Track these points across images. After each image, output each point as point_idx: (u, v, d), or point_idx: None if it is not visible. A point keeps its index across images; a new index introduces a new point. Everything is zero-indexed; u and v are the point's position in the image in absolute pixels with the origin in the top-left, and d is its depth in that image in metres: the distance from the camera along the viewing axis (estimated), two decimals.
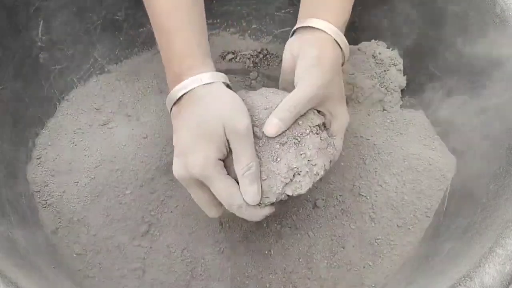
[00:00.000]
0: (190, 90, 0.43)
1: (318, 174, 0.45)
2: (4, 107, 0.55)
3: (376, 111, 0.62)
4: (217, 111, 0.42)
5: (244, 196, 0.42)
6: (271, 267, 0.52)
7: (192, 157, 0.41)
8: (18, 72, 0.57)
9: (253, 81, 0.69)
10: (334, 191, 0.56)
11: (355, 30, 0.65)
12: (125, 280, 0.51)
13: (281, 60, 0.69)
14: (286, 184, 0.43)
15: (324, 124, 0.48)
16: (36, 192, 0.55)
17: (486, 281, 0.36)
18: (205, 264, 0.52)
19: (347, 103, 0.58)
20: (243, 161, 0.41)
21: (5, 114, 0.55)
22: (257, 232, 0.53)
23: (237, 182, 0.43)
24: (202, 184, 0.43)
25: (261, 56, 0.70)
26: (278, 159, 0.43)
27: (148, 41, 0.69)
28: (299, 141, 0.44)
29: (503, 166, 0.48)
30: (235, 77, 0.68)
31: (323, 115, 0.48)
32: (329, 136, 0.48)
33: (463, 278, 0.37)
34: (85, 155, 0.58)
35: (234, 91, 0.46)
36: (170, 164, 0.45)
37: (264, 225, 0.54)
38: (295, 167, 0.43)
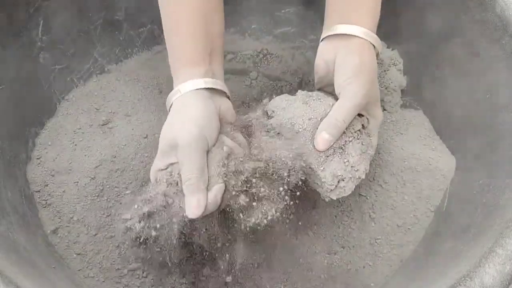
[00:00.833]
0: (176, 98, 0.46)
1: (360, 178, 0.46)
2: (4, 107, 0.55)
3: None
4: (176, 124, 0.44)
5: (185, 207, 0.42)
6: (271, 267, 0.52)
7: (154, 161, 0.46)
8: (18, 72, 0.57)
9: (253, 81, 0.69)
10: None
11: None
12: (125, 280, 0.51)
13: (281, 60, 0.70)
14: (331, 190, 0.46)
15: (363, 125, 0.48)
16: (36, 192, 0.55)
17: (486, 281, 0.36)
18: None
19: None
20: (183, 172, 0.42)
21: (5, 114, 0.55)
22: (257, 232, 0.53)
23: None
24: None
25: (261, 56, 0.70)
26: (323, 168, 0.45)
27: (148, 41, 0.68)
28: (343, 150, 0.46)
29: None
30: (235, 77, 0.68)
31: (361, 116, 0.48)
32: (366, 135, 0.48)
33: (463, 278, 0.37)
34: (85, 155, 0.57)
35: (228, 95, 0.47)
36: None
37: (264, 225, 0.54)
38: (339, 175, 0.45)
